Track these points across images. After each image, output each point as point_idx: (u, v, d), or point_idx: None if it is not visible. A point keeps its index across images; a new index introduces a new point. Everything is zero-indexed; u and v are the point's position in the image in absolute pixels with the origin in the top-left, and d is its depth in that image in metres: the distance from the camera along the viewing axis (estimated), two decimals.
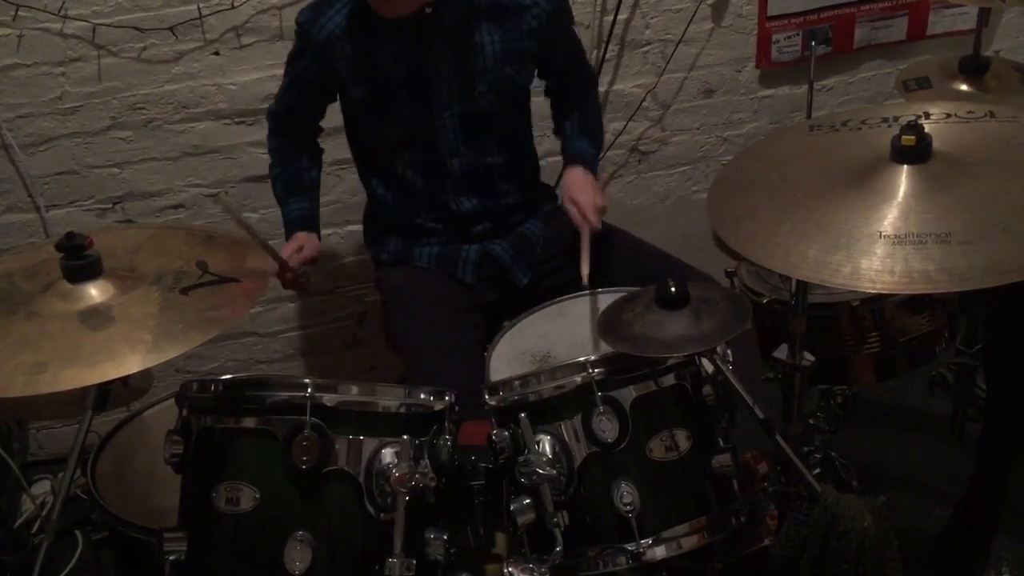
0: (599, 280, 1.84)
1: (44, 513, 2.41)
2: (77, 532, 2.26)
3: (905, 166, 1.31)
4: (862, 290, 1.20)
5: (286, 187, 2.00)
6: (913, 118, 1.35)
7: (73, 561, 2.24)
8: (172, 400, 1.79)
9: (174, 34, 2.30)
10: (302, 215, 1.98)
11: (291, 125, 2.03)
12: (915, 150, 1.30)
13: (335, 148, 2.15)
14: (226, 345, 2.69)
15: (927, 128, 1.32)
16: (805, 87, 2.76)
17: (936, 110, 1.46)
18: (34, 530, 2.37)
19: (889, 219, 1.25)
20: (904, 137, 1.30)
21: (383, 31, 1.81)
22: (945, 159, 1.32)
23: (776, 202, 1.35)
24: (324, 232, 2.58)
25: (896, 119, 1.44)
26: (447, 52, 1.83)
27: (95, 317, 1.29)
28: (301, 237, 1.93)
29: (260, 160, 2.46)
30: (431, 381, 1.57)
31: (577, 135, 2.09)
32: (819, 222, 1.28)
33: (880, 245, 1.22)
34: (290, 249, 1.87)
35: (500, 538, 1.50)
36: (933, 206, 1.25)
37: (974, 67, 2.04)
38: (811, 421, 2.12)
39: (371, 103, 1.87)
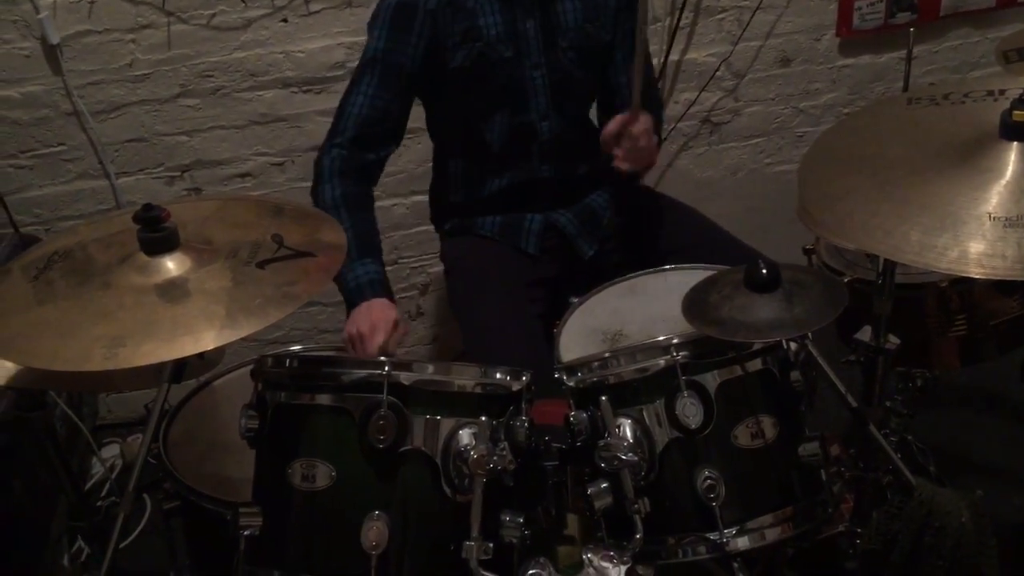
0: (666, 257, 1.80)
1: (113, 477, 2.46)
2: (145, 496, 2.28)
3: (1015, 143, 1.23)
4: (970, 276, 1.13)
5: (357, 246, 1.70)
6: None
7: (142, 524, 2.27)
8: (242, 370, 1.81)
9: (243, 1, 2.28)
10: (378, 278, 1.71)
11: (367, 150, 1.82)
12: None
13: None
14: (291, 314, 2.68)
15: None
16: (886, 57, 2.67)
17: None
18: (103, 492, 2.41)
19: (998, 200, 1.18)
20: (1016, 112, 1.23)
21: None
22: None
23: (874, 180, 1.28)
24: (389, 203, 2.57)
25: (1003, 92, 1.36)
26: (534, 8, 1.80)
27: (172, 291, 1.27)
28: (378, 309, 1.65)
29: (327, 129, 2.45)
30: (488, 356, 1.52)
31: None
32: (922, 202, 1.21)
33: (989, 228, 1.15)
34: (381, 339, 1.60)
35: (571, 519, 1.47)
36: None
37: None
38: (888, 404, 2.05)
39: (471, 68, 1.81)
